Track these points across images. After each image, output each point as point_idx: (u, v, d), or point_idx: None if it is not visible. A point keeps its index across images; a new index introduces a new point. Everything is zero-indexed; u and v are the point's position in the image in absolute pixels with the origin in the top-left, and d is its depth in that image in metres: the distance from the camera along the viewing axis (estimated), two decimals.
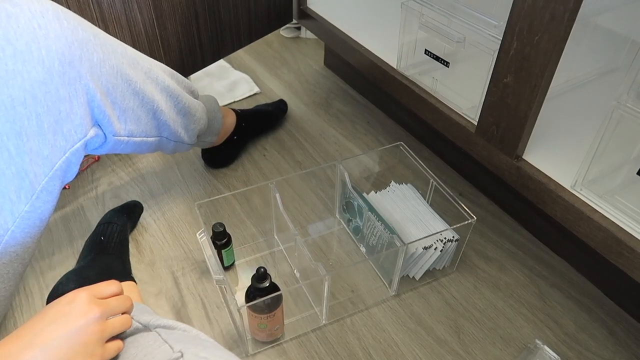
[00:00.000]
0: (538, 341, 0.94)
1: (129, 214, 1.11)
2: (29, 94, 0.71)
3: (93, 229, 1.07)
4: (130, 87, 0.87)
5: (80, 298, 0.63)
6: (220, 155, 1.32)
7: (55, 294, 0.93)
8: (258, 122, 1.41)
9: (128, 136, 0.90)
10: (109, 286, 0.69)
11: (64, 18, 0.75)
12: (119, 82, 0.84)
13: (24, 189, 0.74)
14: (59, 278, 0.96)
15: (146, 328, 0.71)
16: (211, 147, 1.28)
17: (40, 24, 0.72)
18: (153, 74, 0.92)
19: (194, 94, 1.09)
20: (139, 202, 1.17)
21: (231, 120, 1.30)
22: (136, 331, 0.71)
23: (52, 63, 0.73)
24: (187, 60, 1.26)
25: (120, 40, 1.10)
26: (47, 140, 0.75)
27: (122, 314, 0.68)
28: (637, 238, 0.77)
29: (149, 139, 0.96)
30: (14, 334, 0.59)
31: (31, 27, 0.71)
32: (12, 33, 0.69)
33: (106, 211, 1.18)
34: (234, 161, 1.35)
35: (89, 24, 0.81)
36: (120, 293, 0.70)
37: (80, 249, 1.10)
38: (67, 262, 1.07)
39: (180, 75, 1.04)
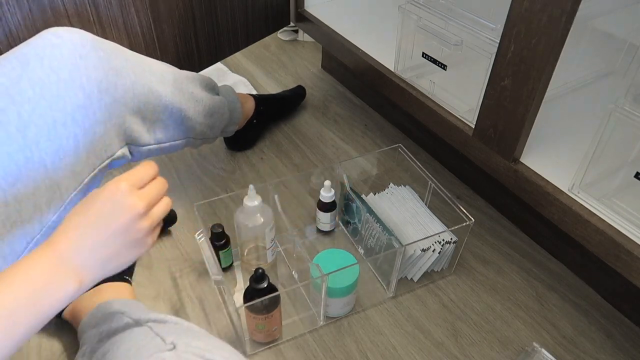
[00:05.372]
0: (535, 344, 0.94)
1: None
2: (70, 117, 0.78)
3: None
4: (161, 101, 0.93)
5: (122, 192, 0.60)
6: (242, 138, 1.37)
7: None
8: (276, 106, 1.45)
9: (157, 144, 0.97)
10: (147, 170, 0.64)
11: (101, 48, 0.83)
12: (150, 99, 0.91)
13: (55, 201, 0.79)
14: None
15: (137, 323, 0.71)
16: None
17: (81, 54, 0.79)
18: (179, 84, 0.98)
19: (214, 89, 1.14)
20: (171, 211, 1.14)
21: (250, 105, 1.34)
22: (127, 327, 0.71)
23: (91, 90, 0.80)
24: (184, 63, 1.26)
25: (118, 43, 1.10)
26: (81, 157, 0.81)
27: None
28: (634, 241, 0.77)
29: (176, 142, 1.02)
30: (59, 235, 0.58)
31: (73, 57, 0.78)
32: (56, 62, 0.77)
33: None
34: (254, 144, 1.40)
35: (119, 47, 0.89)
36: (157, 173, 0.66)
37: None
38: None
39: (201, 75, 1.09)
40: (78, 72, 0.79)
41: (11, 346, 0.53)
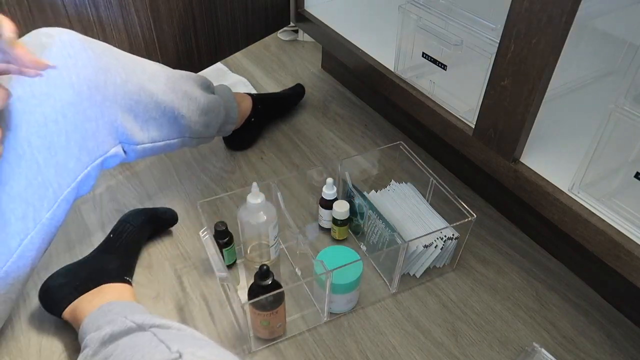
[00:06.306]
0: (535, 344, 0.94)
1: (150, 218, 1.10)
2: (60, 114, 0.79)
3: (90, 231, 1.07)
4: (153, 99, 0.93)
5: None
6: (241, 138, 1.37)
7: (45, 288, 0.94)
8: (275, 105, 1.45)
9: (151, 142, 0.97)
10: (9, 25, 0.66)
11: (90, 47, 0.84)
12: (142, 98, 0.91)
13: (47, 198, 0.80)
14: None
15: (140, 328, 0.71)
16: None
17: (70, 53, 0.81)
18: (171, 83, 0.98)
19: (209, 88, 1.14)
20: (172, 212, 1.14)
21: (247, 104, 1.33)
22: (130, 331, 0.71)
23: (81, 87, 0.81)
24: (184, 63, 1.26)
25: (118, 43, 1.10)
26: (73, 154, 0.82)
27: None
28: (634, 241, 0.77)
29: (171, 141, 1.02)
30: None
31: (62, 55, 0.80)
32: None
33: (103, 214, 1.17)
34: (254, 143, 1.40)
35: (110, 47, 0.90)
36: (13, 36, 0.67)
37: (77, 251, 1.09)
38: (63, 264, 1.06)
39: (195, 74, 1.09)
40: (67, 70, 0.80)
41: None
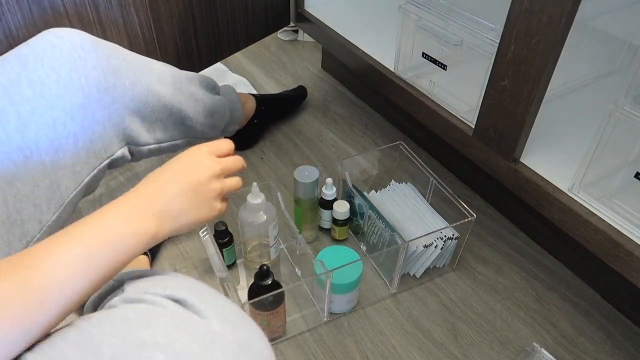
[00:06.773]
0: (535, 344, 0.94)
1: None
2: (69, 116, 0.79)
3: None
4: (160, 101, 0.93)
5: (201, 153, 0.68)
6: (242, 138, 1.36)
7: None
8: (277, 106, 1.46)
9: (157, 143, 0.97)
10: (225, 144, 0.72)
11: (100, 49, 0.84)
12: (149, 100, 0.91)
13: (54, 200, 0.79)
14: None
15: (115, 280, 0.66)
16: None
17: (80, 55, 0.81)
18: (178, 84, 0.98)
19: (215, 89, 1.14)
20: None
21: (251, 105, 1.34)
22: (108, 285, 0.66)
23: (90, 90, 0.81)
24: (184, 63, 1.26)
25: (117, 43, 1.10)
26: (80, 157, 0.82)
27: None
28: (634, 241, 0.77)
29: (177, 142, 1.02)
30: (141, 186, 0.63)
31: (72, 57, 0.79)
32: (55, 62, 0.78)
33: None
34: (255, 144, 1.41)
35: (119, 47, 0.90)
36: (233, 152, 0.73)
37: None
38: None
39: (201, 75, 1.09)
40: (77, 72, 0.80)
41: (87, 288, 0.53)
